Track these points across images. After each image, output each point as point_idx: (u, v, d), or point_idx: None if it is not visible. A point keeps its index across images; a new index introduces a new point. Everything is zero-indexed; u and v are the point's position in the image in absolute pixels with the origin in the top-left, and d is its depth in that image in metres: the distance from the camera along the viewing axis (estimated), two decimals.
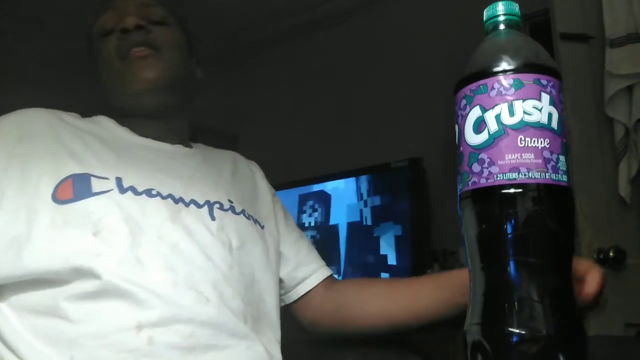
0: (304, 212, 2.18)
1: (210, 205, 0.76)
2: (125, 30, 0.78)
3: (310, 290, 0.87)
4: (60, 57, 2.72)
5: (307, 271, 0.88)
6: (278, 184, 0.96)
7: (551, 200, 0.44)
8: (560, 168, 0.44)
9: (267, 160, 0.99)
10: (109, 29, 0.80)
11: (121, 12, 0.80)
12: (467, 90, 0.47)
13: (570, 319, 0.43)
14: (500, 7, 0.49)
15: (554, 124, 0.44)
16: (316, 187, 2.18)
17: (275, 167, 1.00)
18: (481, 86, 0.46)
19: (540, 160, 0.43)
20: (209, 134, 0.90)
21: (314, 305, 0.87)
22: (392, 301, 0.82)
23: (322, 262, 0.91)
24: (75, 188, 0.67)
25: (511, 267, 0.43)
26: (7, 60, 2.65)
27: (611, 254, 1.30)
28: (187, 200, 0.74)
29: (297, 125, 2.56)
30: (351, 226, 2.02)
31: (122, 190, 0.69)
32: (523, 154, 0.43)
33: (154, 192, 0.71)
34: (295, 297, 0.87)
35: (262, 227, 0.83)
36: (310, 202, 2.18)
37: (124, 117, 0.80)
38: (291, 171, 2.19)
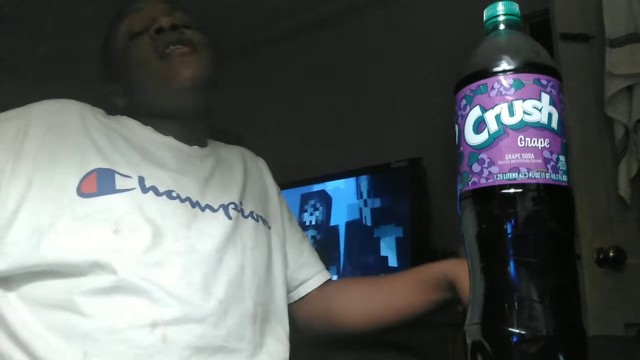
0: (306, 211, 2.18)
1: (224, 207, 0.77)
2: (160, 30, 0.77)
3: (308, 293, 0.87)
4: (59, 57, 2.72)
5: (309, 273, 0.88)
6: (279, 184, 0.97)
7: (551, 200, 0.43)
8: (560, 168, 0.44)
9: (268, 160, 1.00)
10: (139, 31, 0.79)
11: (151, 14, 0.80)
12: (467, 90, 0.47)
13: (570, 319, 0.43)
14: (500, 7, 0.49)
15: (554, 124, 0.44)
16: (317, 187, 2.18)
17: (276, 167, 1.00)
18: (481, 86, 0.46)
19: (540, 160, 0.43)
20: (213, 134, 0.90)
21: (307, 307, 0.87)
22: (373, 302, 0.83)
23: (322, 265, 0.91)
24: (99, 183, 0.68)
25: (511, 267, 0.43)
26: (5, 59, 2.64)
27: (611, 254, 1.30)
28: (202, 205, 0.75)
29: (297, 125, 2.56)
30: (352, 227, 2.02)
31: (145, 189, 0.70)
32: (523, 154, 0.43)
33: (174, 195, 0.72)
34: (296, 298, 0.87)
35: (270, 228, 0.84)
36: (312, 202, 2.18)
37: (152, 117, 0.80)
38: (292, 171, 2.19)
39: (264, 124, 2.67)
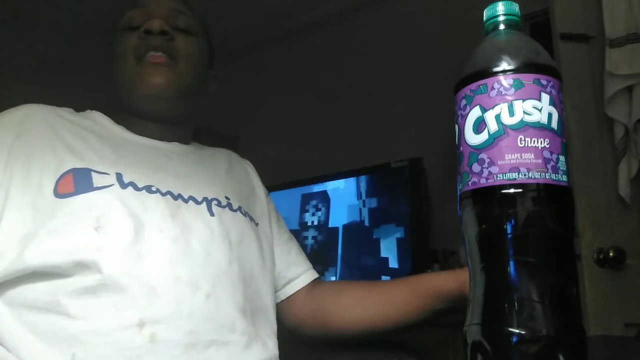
0: (307, 211, 2.17)
1: (208, 201, 0.76)
2: (148, 32, 0.78)
3: (296, 292, 0.87)
4: (57, 57, 2.72)
5: (297, 272, 0.88)
6: (278, 184, 0.97)
7: (551, 200, 0.43)
8: (560, 168, 0.44)
9: (267, 160, 1.00)
10: (134, 26, 0.80)
11: (150, 12, 0.80)
12: (467, 90, 0.47)
13: (570, 319, 0.43)
14: (500, 7, 0.49)
15: (554, 124, 0.44)
16: (316, 188, 2.18)
17: (276, 168, 1.00)
18: (481, 86, 0.46)
19: (540, 160, 0.43)
20: (210, 135, 0.89)
21: (296, 307, 0.87)
22: (368, 307, 0.82)
23: (309, 264, 0.91)
24: (76, 182, 0.67)
25: (511, 267, 0.43)
26: (3, 59, 2.65)
27: (611, 254, 1.30)
28: (185, 197, 0.74)
29: (297, 125, 2.56)
30: (351, 227, 2.02)
31: (123, 185, 0.69)
32: (523, 154, 0.43)
33: (153, 189, 0.71)
34: (283, 297, 0.87)
35: (257, 225, 0.84)
36: (314, 202, 2.18)
37: (128, 112, 0.80)
38: (291, 171, 2.19)
39: (263, 124, 2.67)
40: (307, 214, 2.16)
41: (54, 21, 2.48)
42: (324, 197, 2.15)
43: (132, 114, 0.80)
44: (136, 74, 0.77)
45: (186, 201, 0.73)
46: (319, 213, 2.14)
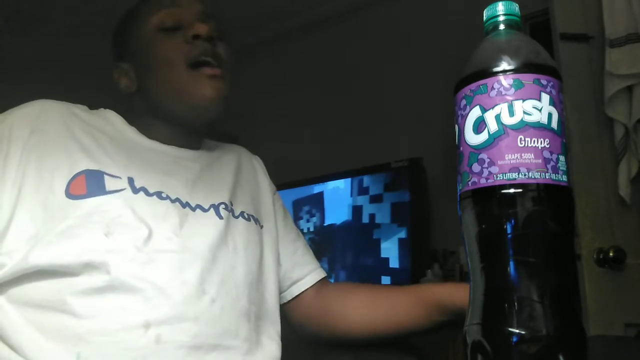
0: (301, 217, 2.18)
1: (215, 207, 0.76)
2: (196, 36, 0.76)
3: (303, 292, 0.87)
4: (61, 56, 2.72)
5: (303, 272, 0.88)
6: (278, 185, 0.97)
7: (551, 200, 0.43)
8: (560, 168, 0.44)
9: (267, 160, 0.99)
10: (171, 27, 0.77)
11: (186, 14, 0.78)
12: (467, 90, 0.47)
13: (570, 319, 0.43)
14: (500, 7, 0.49)
15: (554, 124, 0.44)
16: (316, 188, 2.18)
17: (276, 168, 1.00)
18: (481, 86, 0.46)
19: (540, 160, 0.43)
20: (209, 134, 0.89)
21: (302, 307, 0.87)
22: (372, 311, 0.82)
23: (317, 264, 0.91)
24: (89, 184, 0.67)
25: (511, 267, 0.43)
26: (7, 58, 2.64)
27: (611, 254, 1.30)
28: (193, 206, 0.74)
29: (297, 125, 2.56)
30: (351, 227, 2.02)
31: (135, 190, 0.69)
32: (523, 154, 0.43)
33: (163, 195, 0.72)
34: (289, 298, 0.87)
35: (262, 227, 0.84)
36: (307, 207, 2.18)
37: (149, 114, 0.79)
38: (291, 171, 2.19)
39: (262, 124, 2.67)
40: (301, 221, 2.17)
41: (56, 21, 2.48)
42: (319, 198, 2.15)
43: (152, 114, 0.79)
44: (189, 83, 0.75)
45: (194, 209, 0.74)
46: (314, 218, 2.14)
